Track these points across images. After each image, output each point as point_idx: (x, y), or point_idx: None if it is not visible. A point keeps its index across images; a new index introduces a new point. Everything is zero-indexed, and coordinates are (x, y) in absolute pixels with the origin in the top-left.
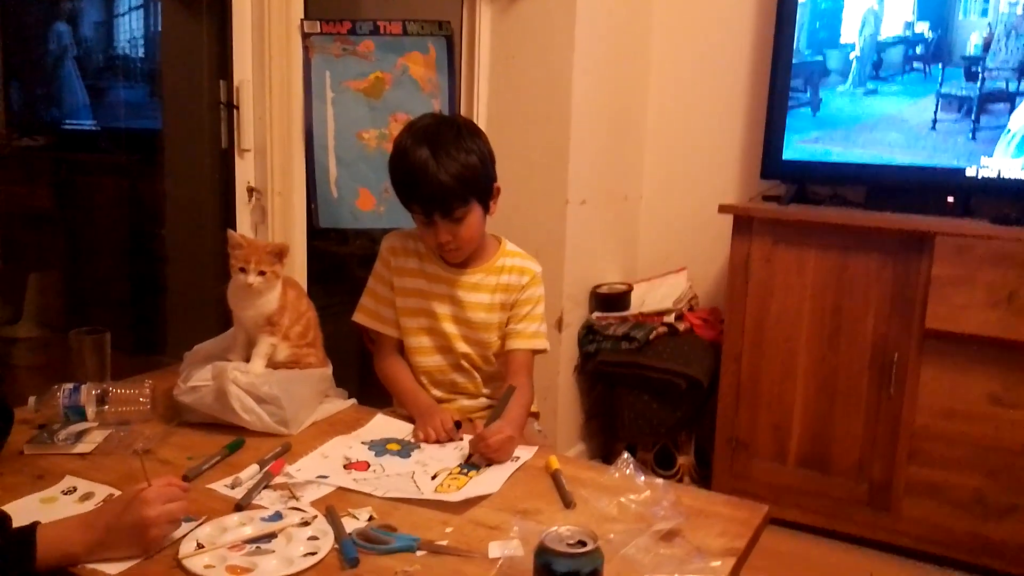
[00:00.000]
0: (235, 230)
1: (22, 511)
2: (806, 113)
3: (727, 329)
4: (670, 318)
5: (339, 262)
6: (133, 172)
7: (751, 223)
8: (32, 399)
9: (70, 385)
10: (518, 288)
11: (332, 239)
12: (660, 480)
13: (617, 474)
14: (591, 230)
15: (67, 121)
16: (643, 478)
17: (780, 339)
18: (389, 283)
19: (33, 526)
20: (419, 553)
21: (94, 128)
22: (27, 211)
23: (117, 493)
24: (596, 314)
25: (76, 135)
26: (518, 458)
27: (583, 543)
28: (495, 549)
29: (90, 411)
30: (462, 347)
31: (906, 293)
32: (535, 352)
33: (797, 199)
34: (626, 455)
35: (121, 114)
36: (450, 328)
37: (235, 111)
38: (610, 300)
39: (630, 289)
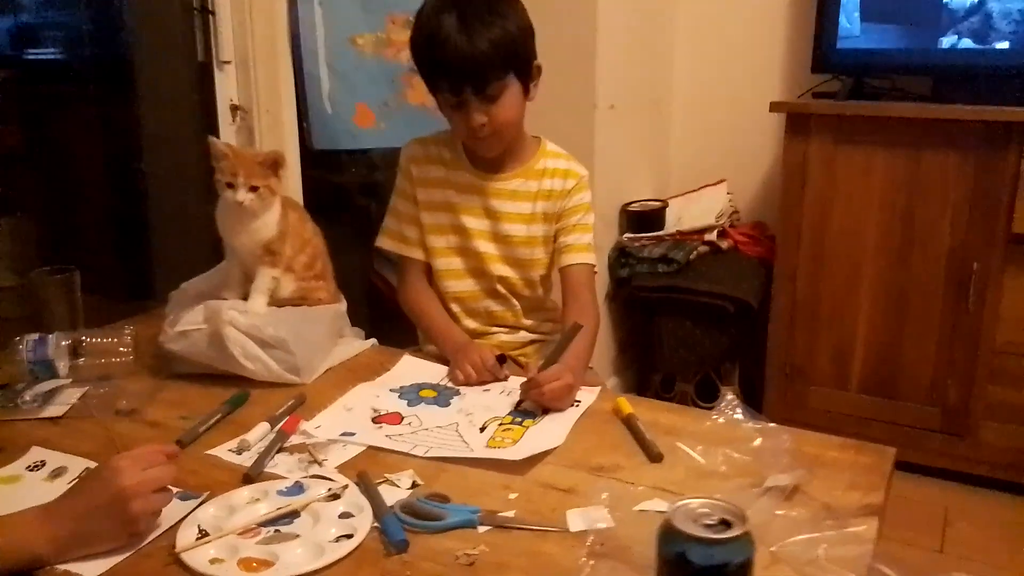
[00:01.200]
0: None
1: None
2: None
3: (780, 243)
4: (711, 236)
5: (333, 192)
6: (105, 101)
7: (808, 121)
8: None
9: (35, 336)
10: (563, 194)
11: (324, 165)
12: (771, 424)
13: (722, 419)
14: (621, 139)
15: (28, 51)
16: (750, 422)
17: (842, 252)
18: (412, 198)
19: None
20: (481, 529)
21: (58, 57)
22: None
23: (92, 465)
24: (628, 235)
25: (39, 65)
26: (579, 402)
27: (726, 523)
28: (577, 520)
29: (61, 366)
30: (499, 269)
31: (989, 194)
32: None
33: (853, 95)
34: (730, 396)
35: (86, 38)
36: (484, 246)
37: (211, 17)
38: (643, 219)
39: (665, 206)
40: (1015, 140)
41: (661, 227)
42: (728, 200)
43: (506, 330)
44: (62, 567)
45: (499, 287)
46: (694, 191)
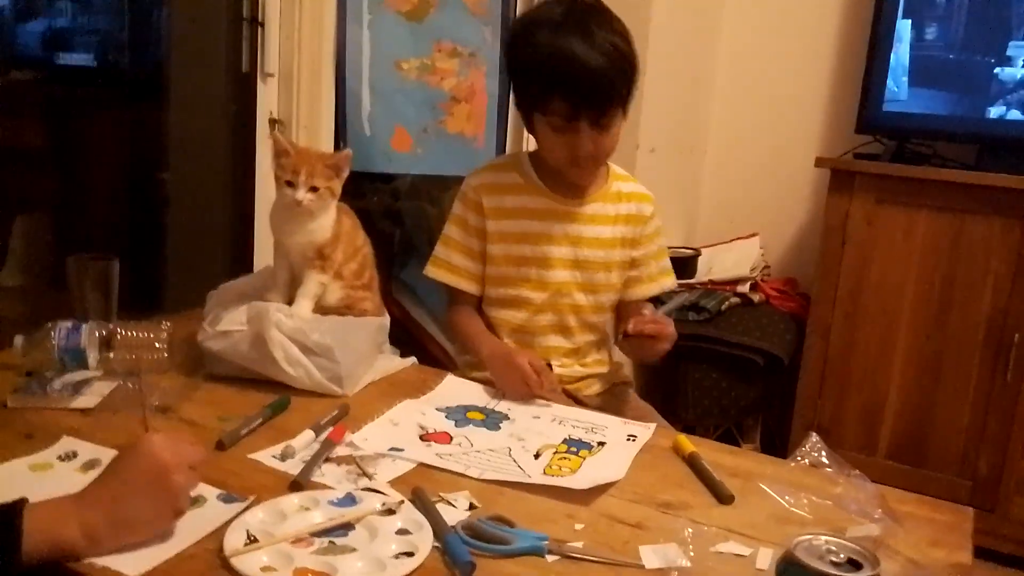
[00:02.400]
0: (254, 169)
1: (7, 480)
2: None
3: (815, 300)
4: (744, 288)
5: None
6: (135, 107)
7: (852, 180)
8: (19, 339)
9: (68, 323)
10: (640, 220)
11: (348, 188)
12: (856, 472)
13: (807, 460)
14: (659, 183)
15: (60, 54)
16: (831, 468)
17: (878, 312)
18: (476, 229)
19: (19, 504)
20: (550, 558)
21: (90, 62)
22: (14, 149)
23: None
24: None
25: (70, 69)
26: (634, 437)
27: (854, 563)
28: (652, 556)
29: (92, 356)
30: (576, 297)
31: None
32: (667, 291)
33: (895, 159)
34: (815, 437)
35: (122, 44)
36: (563, 274)
37: (260, 28)
38: (676, 265)
39: (698, 254)
40: None
41: (692, 275)
42: (761, 253)
43: (564, 363)
44: (101, 563)
45: (569, 318)
46: (727, 242)
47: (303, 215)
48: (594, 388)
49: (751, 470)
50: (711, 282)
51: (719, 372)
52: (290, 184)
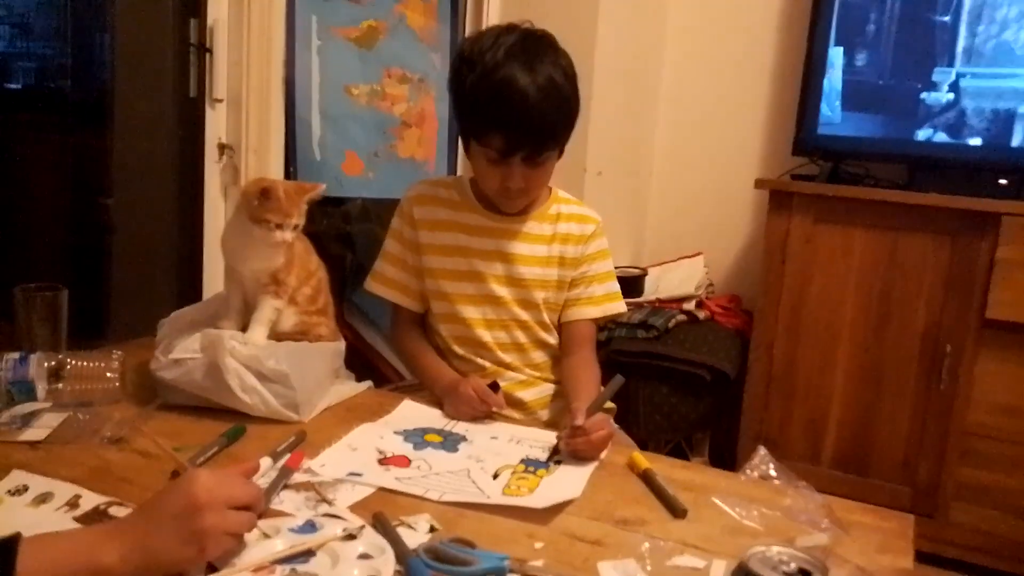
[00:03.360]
0: (202, 194)
1: None
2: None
3: (758, 316)
4: (690, 305)
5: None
6: (77, 133)
7: (790, 200)
8: None
9: (15, 355)
10: (581, 239)
11: None
12: (803, 483)
13: (756, 473)
14: (606, 205)
15: None
16: (780, 480)
17: (819, 327)
18: (412, 243)
19: (13, 541)
20: None
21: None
22: None
23: (85, 493)
24: None
25: (11, 94)
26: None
27: (804, 572)
28: (611, 573)
29: (41, 388)
30: (518, 314)
31: (964, 278)
32: (613, 316)
33: (831, 179)
34: (763, 450)
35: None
36: (501, 290)
37: (207, 55)
38: (624, 285)
39: (645, 273)
40: (989, 230)
41: (640, 294)
42: (705, 272)
43: (520, 378)
44: None
45: (519, 334)
46: (672, 261)
47: (259, 242)
48: (555, 404)
49: (704, 484)
50: (658, 300)
51: (668, 388)
52: (279, 226)
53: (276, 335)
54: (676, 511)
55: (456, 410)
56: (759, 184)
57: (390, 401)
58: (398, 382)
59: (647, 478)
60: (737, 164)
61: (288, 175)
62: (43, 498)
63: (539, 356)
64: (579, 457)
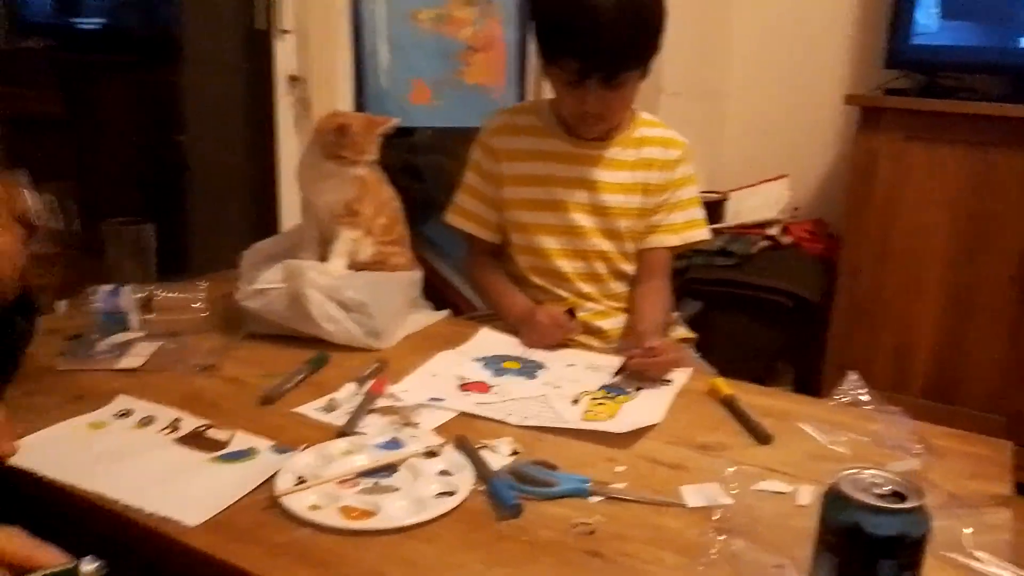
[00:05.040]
0: (274, 128)
1: (67, 437)
2: None
3: (845, 240)
4: (772, 230)
5: None
6: (150, 70)
7: (882, 116)
8: (61, 304)
9: (108, 287)
10: (665, 164)
11: None
12: (894, 408)
13: (846, 398)
14: (684, 127)
15: (71, 19)
16: (870, 405)
17: (908, 250)
18: (491, 175)
19: None
20: (593, 499)
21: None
22: (33, 117)
23: (184, 417)
24: None
25: (82, 33)
26: (670, 381)
27: (898, 495)
28: (694, 496)
29: (133, 318)
30: (598, 243)
31: None
32: (694, 244)
33: (924, 93)
34: (854, 375)
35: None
36: (582, 219)
37: None
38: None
39: (725, 198)
40: None
41: (720, 219)
42: (788, 195)
43: (598, 309)
44: (162, 513)
45: (598, 265)
46: (754, 185)
47: (335, 175)
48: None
49: (788, 410)
50: (739, 226)
51: (748, 317)
52: (353, 161)
53: (354, 265)
54: (760, 437)
55: (532, 338)
56: (849, 100)
57: (467, 329)
58: (471, 312)
59: (729, 404)
60: (823, 79)
61: (358, 106)
62: (146, 421)
63: (618, 287)
64: (646, 378)
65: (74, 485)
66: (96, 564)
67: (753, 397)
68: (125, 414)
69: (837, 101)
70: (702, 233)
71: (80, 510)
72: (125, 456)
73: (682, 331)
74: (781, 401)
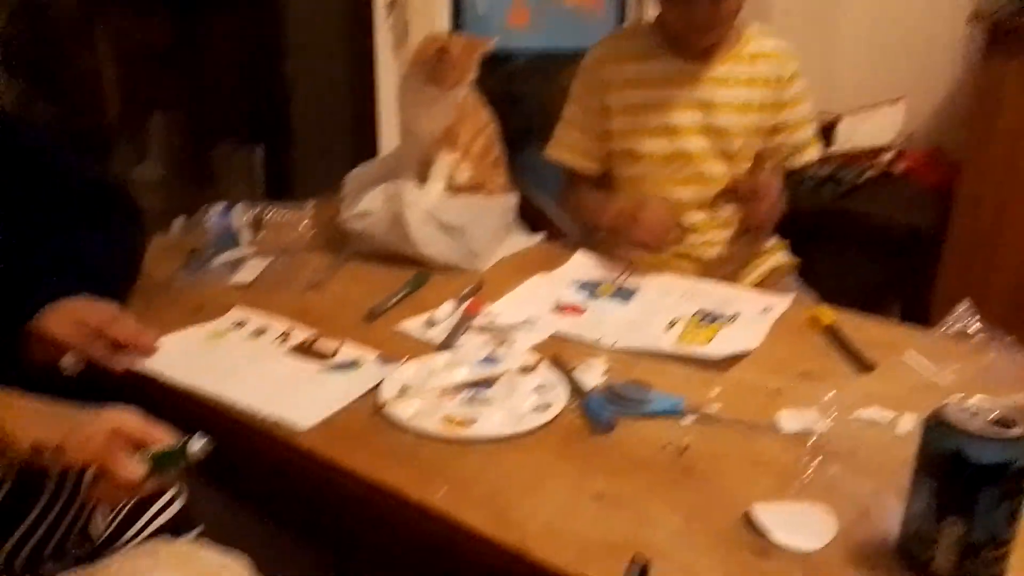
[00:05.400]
0: (373, 53)
1: (188, 345)
2: None
3: (965, 168)
4: (885, 158)
5: None
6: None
7: (1010, 37)
8: (177, 222)
9: (220, 206)
10: (780, 81)
11: None
12: (1009, 338)
13: (956, 328)
14: (794, 44)
15: None
16: (983, 335)
17: None
18: (596, 106)
19: None
20: (686, 420)
21: None
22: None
23: (294, 329)
24: None
25: None
26: (770, 309)
27: (1004, 423)
28: (790, 421)
29: (244, 237)
30: (711, 167)
31: None
32: (807, 163)
33: None
34: (965, 304)
35: None
36: (696, 142)
37: None
38: None
39: (836, 121)
40: None
41: (830, 144)
42: (904, 120)
43: (705, 238)
44: (276, 415)
45: (708, 188)
46: (868, 108)
47: (429, 97)
48: (737, 261)
49: (894, 340)
50: (849, 152)
51: (856, 249)
52: (452, 84)
53: (452, 188)
54: (862, 365)
55: (636, 234)
56: (974, 18)
57: (563, 254)
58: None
59: (831, 332)
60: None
61: (455, 30)
62: (260, 332)
63: (727, 211)
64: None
65: (194, 388)
66: (204, 440)
67: (856, 326)
68: (240, 324)
69: (960, 19)
70: (816, 152)
71: (198, 411)
72: (240, 364)
73: (783, 256)
74: (886, 331)
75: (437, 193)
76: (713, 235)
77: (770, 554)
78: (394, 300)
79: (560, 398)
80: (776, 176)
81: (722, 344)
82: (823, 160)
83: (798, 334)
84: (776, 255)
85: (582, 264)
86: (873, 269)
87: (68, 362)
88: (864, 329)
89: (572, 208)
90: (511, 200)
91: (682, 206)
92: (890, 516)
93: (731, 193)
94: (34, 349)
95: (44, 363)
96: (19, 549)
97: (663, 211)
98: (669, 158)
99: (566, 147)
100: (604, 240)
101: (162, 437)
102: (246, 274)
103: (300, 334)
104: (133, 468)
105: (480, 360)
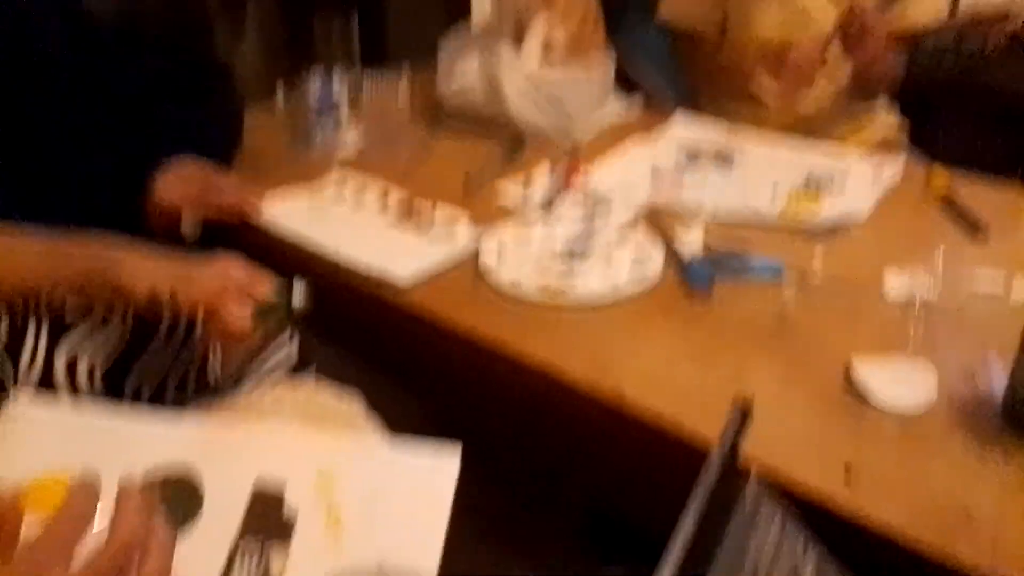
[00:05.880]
0: None
1: (294, 205)
2: None
3: None
4: (1016, 24)
5: None
6: None
7: None
8: (279, 95)
9: (318, 79)
10: None
11: None
12: None
13: None
14: None
15: None
16: None
17: None
18: None
19: None
20: (787, 285)
21: None
22: None
23: (392, 190)
24: None
25: None
26: (878, 174)
27: None
28: (895, 286)
29: (343, 111)
30: (824, 25)
31: None
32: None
33: None
34: None
35: None
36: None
37: None
38: None
39: None
40: None
41: (954, 10)
42: None
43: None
44: (378, 266)
45: (821, 38)
46: None
47: None
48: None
49: (1011, 205)
50: (975, 17)
51: (979, 122)
52: None
53: (549, 50)
54: (976, 231)
55: (780, 82)
56: None
57: (662, 120)
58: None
59: (945, 197)
60: None
61: None
62: (363, 195)
63: (838, 69)
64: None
65: (300, 241)
66: (303, 283)
67: (973, 190)
68: (344, 188)
69: None
70: (937, 13)
71: (304, 266)
72: (344, 223)
73: (894, 118)
74: (1003, 196)
75: (534, 56)
76: (820, 89)
77: (869, 410)
78: (492, 168)
79: (658, 264)
80: (887, 22)
81: (829, 211)
82: (945, 27)
83: (909, 199)
84: (887, 117)
85: (682, 129)
86: (995, 144)
87: (187, 228)
88: (980, 194)
89: (683, 66)
90: (609, 65)
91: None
92: (996, 380)
93: (840, 34)
94: (155, 223)
95: (167, 234)
96: (141, 386)
97: (807, 49)
98: (784, 13)
99: (678, 8)
100: (710, 102)
101: (267, 283)
102: (348, 145)
103: (401, 198)
104: (241, 314)
105: (578, 227)
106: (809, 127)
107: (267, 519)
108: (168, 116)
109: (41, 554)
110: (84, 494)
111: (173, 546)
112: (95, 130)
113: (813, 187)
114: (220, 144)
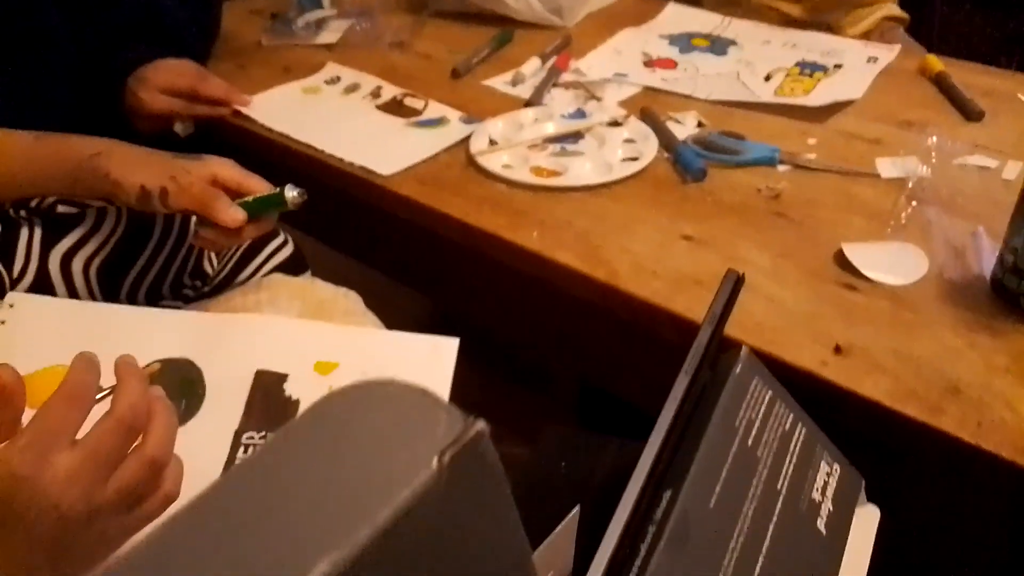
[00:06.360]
0: None
1: (283, 99)
2: None
3: None
4: None
5: None
6: None
7: None
8: None
9: None
10: None
11: None
12: None
13: None
14: None
15: None
16: None
17: None
18: None
19: None
20: (781, 168)
21: None
22: None
23: (385, 85)
24: None
25: None
26: (875, 59)
27: None
28: (888, 167)
29: None
30: None
31: None
32: None
33: None
34: None
35: None
36: None
37: None
38: None
39: None
40: None
41: None
42: None
43: None
44: (360, 163)
45: None
46: None
47: None
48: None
49: (1009, 89)
50: None
51: (973, 5)
52: None
53: None
54: (971, 113)
55: None
56: None
57: (654, 7)
58: None
59: (940, 81)
60: None
61: None
62: (352, 88)
63: None
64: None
65: (289, 137)
66: (298, 190)
67: (968, 75)
68: (334, 81)
69: None
70: None
71: (293, 163)
72: (332, 117)
73: (892, 8)
74: (1002, 80)
75: None
76: None
77: (859, 287)
78: (479, 57)
79: (651, 149)
80: None
81: (823, 94)
82: None
83: (904, 84)
84: (885, 6)
85: (676, 16)
86: (994, 21)
87: (179, 126)
88: (974, 78)
89: None
90: None
91: None
92: (986, 256)
93: None
94: (143, 125)
95: (156, 134)
96: (137, 285)
97: None
98: None
99: None
100: None
101: (257, 185)
102: (330, 34)
103: (390, 91)
104: (233, 212)
105: (569, 114)
106: (806, 12)
107: (268, 409)
108: (138, 4)
109: (45, 432)
110: (84, 371)
111: (175, 422)
112: (60, 21)
113: (808, 70)
114: (195, 34)
